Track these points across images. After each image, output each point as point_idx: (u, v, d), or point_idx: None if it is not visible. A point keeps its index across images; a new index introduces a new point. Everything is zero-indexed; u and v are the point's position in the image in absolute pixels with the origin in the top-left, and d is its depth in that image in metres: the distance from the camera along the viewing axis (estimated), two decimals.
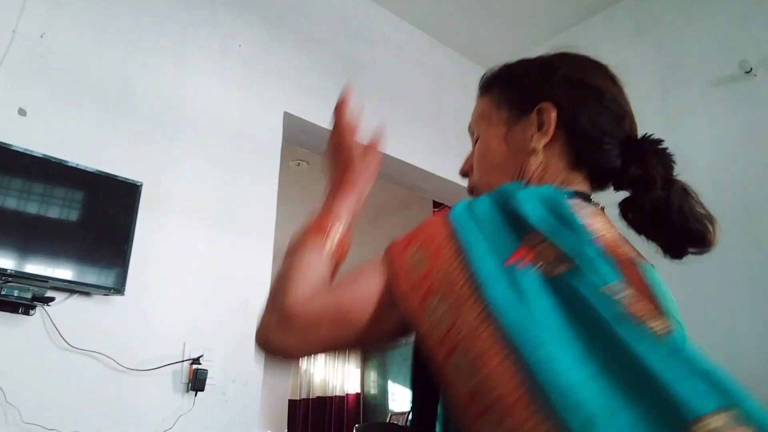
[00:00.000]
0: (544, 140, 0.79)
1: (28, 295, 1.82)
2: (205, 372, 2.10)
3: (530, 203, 0.63)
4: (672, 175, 0.76)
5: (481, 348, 0.53)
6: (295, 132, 2.81)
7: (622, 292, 0.55)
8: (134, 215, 2.04)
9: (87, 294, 1.96)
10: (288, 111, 2.68)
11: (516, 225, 0.61)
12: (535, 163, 0.79)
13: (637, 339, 0.51)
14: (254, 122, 2.57)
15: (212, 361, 2.15)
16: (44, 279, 1.84)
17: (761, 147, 2.50)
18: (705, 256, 2.74)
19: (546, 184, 0.78)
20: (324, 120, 2.80)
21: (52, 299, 1.86)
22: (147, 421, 1.99)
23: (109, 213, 2.02)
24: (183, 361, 2.10)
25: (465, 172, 0.91)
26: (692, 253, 0.77)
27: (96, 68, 2.18)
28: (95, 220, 2.00)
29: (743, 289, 2.41)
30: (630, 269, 0.62)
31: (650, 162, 0.76)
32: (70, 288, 1.91)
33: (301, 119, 2.74)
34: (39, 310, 1.86)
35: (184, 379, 2.10)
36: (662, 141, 0.80)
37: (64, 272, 1.88)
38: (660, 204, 0.73)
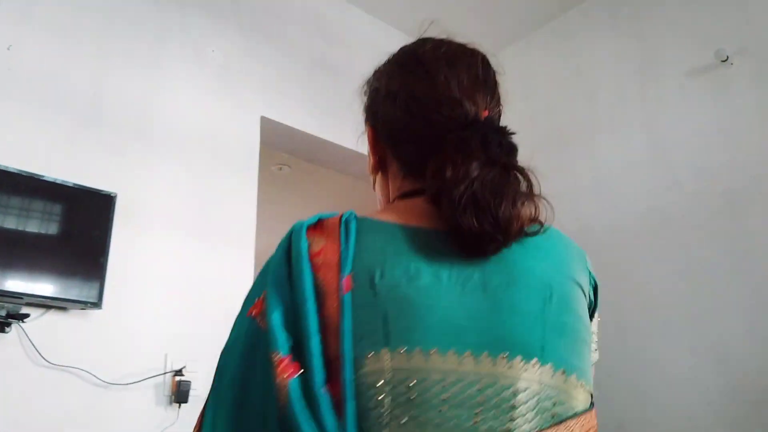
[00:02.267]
0: (372, 161, 0.81)
1: (3, 313, 1.77)
2: (188, 383, 2.06)
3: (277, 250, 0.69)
4: (468, 161, 0.67)
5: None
6: (273, 136, 2.78)
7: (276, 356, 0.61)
8: (109, 227, 2.00)
9: (63, 309, 1.92)
10: (265, 115, 2.65)
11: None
12: (380, 179, 0.81)
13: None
14: (231, 128, 2.54)
15: (195, 372, 2.11)
16: (19, 295, 1.79)
17: (740, 135, 2.51)
18: (687, 246, 2.75)
19: (391, 197, 0.79)
20: (302, 123, 2.78)
21: (27, 315, 1.82)
22: None
23: (83, 226, 1.98)
24: (165, 373, 2.07)
25: None
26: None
27: (66, 79, 2.14)
28: (69, 234, 1.96)
29: (727, 278, 2.41)
30: (330, 283, 0.64)
31: (448, 150, 0.70)
32: (46, 303, 1.87)
33: (279, 123, 2.71)
34: (15, 327, 1.82)
35: (167, 391, 2.06)
36: (473, 125, 0.71)
37: (39, 288, 1.83)
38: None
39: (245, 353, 0.65)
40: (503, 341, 0.61)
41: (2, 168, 1.84)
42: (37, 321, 1.86)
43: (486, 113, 0.74)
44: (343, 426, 0.57)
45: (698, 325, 2.45)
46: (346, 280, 0.64)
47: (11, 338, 1.81)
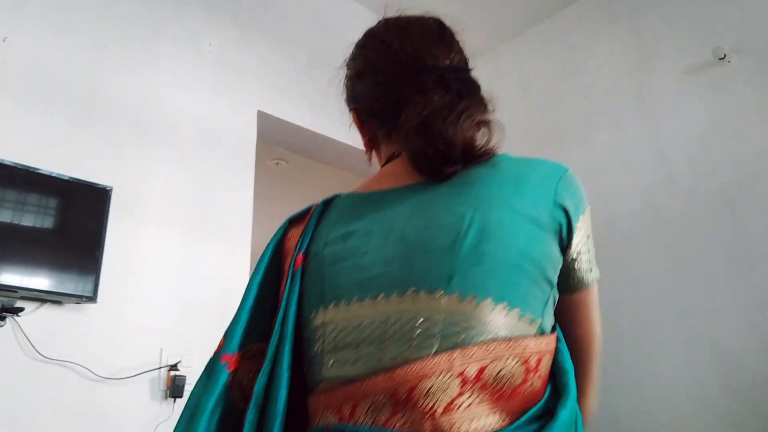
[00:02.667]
0: (364, 141, 0.89)
1: None
2: (183, 378, 2.06)
3: None
4: (427, 107, 0.72)
5: None
6: (270, 131, 2.77)
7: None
8: (105, 221, 2.00)
9: (58, 303, 1.91)
10: (262, 110, 2.64)
11: None
12: (375, 156, 0.90)
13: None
14: (227, 122, 2.53)
15: (191, 366, 2.10)
16: (14, 289, 1.79)
17: (735, 132, 2.51)
18: (683, 241, 2.74)
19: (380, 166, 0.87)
20: (299, 118, 2.77)
21: (21, 309, 1.81)
22: (125, 430, 1.94)
23: (79, 219, 1.98)
24: (160, 367, 2.06)
25: None
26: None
27: (62, 71, 2.12)
28: (65, 228, 1.95)
29: (722, 274, 2.42)
30: (288, 264, 0.77)
31: (411, 96, 0.76)
32: (41, 297, 1.86)
33: (276, 118, 2.70)
34: (9, 321, 1.81)
35: (162, 386, 2.05)
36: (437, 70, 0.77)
37: (34, 281, 1.83)
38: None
39: None
40: (411, 279, 0.66)
41: (13, 164, 1.83)
42: (32, 315, 1.86)
43: (447, 62, 0.78)
44: (277, 372, 0.69)
45: (693, 320, 2.45)
46: (298, 257, 0.75)
47: (6, 332, 1.80)
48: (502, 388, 0.62)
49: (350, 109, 0.90)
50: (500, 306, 0.64)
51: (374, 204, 0.75)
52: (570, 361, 0.69)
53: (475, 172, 0.72)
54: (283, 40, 2.86)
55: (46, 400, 1.83)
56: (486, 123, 0.71)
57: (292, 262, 0.75)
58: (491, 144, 0.72)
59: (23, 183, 1.87)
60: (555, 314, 0.72)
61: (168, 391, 2.04)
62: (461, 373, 0.61)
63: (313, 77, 2.91)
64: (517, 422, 0.61)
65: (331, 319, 0.69)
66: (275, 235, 0.81)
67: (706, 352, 2.39)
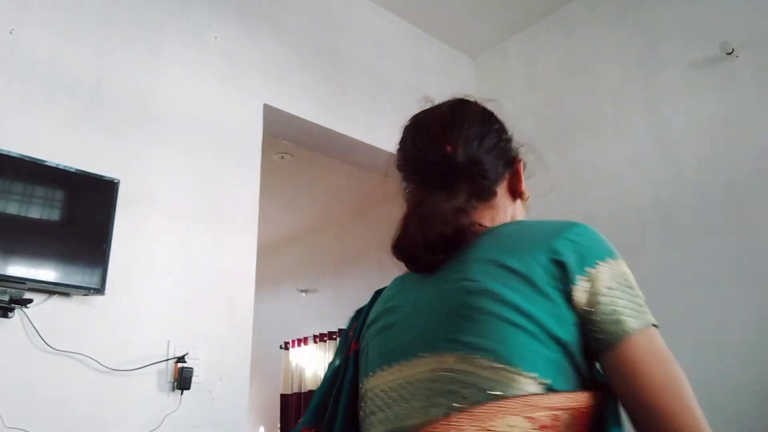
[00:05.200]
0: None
1: (6, 298, 1.77)
2: (190, 370, 2.07)
3: None
4: None
5: None
6: (276, 124, 2.77)
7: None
8: (112, 213, 2.01)
9: (66, 295, 1.92)
10: (268, 103, 2.65)
11: None
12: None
13: None
14: (233, 115, 2.53)
15: (198, 359, 2.12)
16: (22, 281, 1.80)
17: (743, 128, 2.50)
18: (690, 237, 2.73)
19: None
20: (305, 112, 2.77)
21: (30, 301, 1.82)
22: (132, 421, 1.96)
23: (86, 212, 1.99)
24: (167, 359, 2.07)
25: None
26: None
27: (68, 63, 2.13)
28: (72, 220, 1.96)
29: (729, 270, 2.41)
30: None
31: None
32: (49, 289, 1.88)
33: (282, 111, 2.70)
34: (17, 313, 1.83)
35: (170, 378, 2.07)
36: None
37: (42, 273, 1.84)
38: None
39: None
40: (408, 349, 0.76)
41: (4, 153, 1.83)
42: (40, 306, 1.87)
43: (449, 149, 0.90)
44: None
45: (700, 317, 2.45)
46: (353, 344, 0.90)
47: (14, 324, 1.82)
48: None
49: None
50: (487, 359, 0.67)
51: (407, 281, 0.87)
52: (615, 415, 0.69)
53: (477, 242, 0.79)
54: (289, 33, 2.86)
55: (54, 392, 1.84)
56: (454, 211, 0.80)
57: (348, 349, 0.90)
58: (463, 226, 0.79)
59: (30, 175, 1.88)
60: (608, 374, 0.70)
61: (175, 383, 2.05)
62: None
63: (319, 70, 2.91)
64: None
65: (366, 387, 0.82)
66: (345, 329, 0.95)
67: (713, 349, 2.38)
